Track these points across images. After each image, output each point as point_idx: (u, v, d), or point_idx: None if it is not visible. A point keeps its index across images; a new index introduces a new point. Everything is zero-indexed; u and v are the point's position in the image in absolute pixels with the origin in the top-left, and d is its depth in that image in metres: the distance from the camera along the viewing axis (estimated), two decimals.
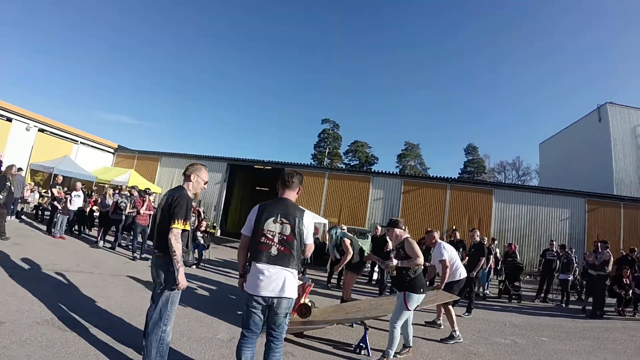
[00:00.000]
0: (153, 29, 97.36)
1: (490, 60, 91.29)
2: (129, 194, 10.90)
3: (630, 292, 9.81)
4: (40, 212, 13.32)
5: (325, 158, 57.41)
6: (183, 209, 3.20)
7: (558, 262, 11.40)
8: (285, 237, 3.02)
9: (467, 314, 7.85)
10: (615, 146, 28.61)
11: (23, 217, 12.63)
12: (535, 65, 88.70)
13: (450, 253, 6.42)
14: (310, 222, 3.20)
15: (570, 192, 20.39)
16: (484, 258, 8.44)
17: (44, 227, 11.25)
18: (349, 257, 6.69)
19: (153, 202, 17.01)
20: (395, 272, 4.66)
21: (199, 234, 10.26)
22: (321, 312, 5.70)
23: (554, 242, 12.52)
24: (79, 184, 11.39)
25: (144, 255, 9.52)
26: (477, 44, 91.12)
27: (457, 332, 5.75)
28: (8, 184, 8.86)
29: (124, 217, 10.46)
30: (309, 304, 5.50)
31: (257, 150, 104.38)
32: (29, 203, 14.00)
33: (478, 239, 8.67)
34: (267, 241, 3.00)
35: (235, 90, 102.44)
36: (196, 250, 10.03)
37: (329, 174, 20.73)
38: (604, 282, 9.54)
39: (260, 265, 2.96)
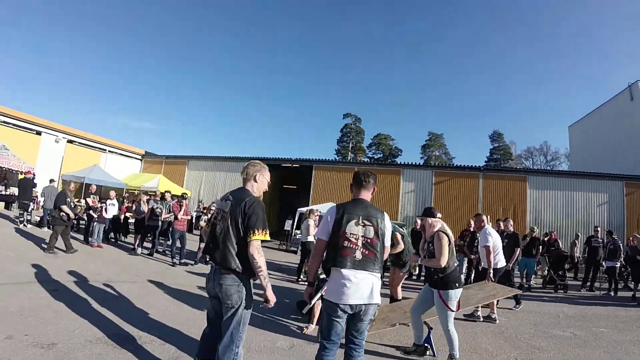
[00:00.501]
0: (171, 32, 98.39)
1: (508, 45, 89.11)
2: (160, 199, 10.88)
3: None
4: (75, 222, 13.41)
5: (349, 152, 57.17)
6: (261, 218, 2.87)
7: (603, 249, 10.94)
8: (369, 240, 2.87)
9: (517, 306, 7.58)
10: None
11: None
12: (559, 49, 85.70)
13: (494, 240, 6.37)
14: (390, 223, 3.08)
15: (608, 175, 19.51)
16: (519, 249, 8.17)
17: (80, 237, 11.34)
18: (399, 249, 6.32)
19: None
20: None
21: None
22: (378, 313, 5.40)
23: (598, 229, 11.96)
24: (112, 193, 11.40)
25: (183, 261, 9.49)
26: (494, 30, 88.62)
27: (479, 312, 6.32)
28: (68, 199, 9.00)
29: (160, 223, 10.43)
30: None
31: (279, 148, 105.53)
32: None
33: (512, 229, 8.51)
34: (351, 245, 2.82)
35: (253, 90, 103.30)
36: None
37: (358, 168, 20.32)
38: None
39: (345, 272, 2.78)
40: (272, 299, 2.83)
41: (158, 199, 11.05)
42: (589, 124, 34.53)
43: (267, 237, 2.89)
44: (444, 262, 4.05)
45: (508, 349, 4.96)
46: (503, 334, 5.69)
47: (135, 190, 19.45)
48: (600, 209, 18.60)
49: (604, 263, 10.79)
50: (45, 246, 8.74)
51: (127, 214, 12.73)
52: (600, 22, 79.39)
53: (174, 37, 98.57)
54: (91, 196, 11.35)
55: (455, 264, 4.25)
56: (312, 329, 5.03)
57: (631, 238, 11.05)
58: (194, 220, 10.32)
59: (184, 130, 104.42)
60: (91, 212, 10.55)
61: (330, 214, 2.95)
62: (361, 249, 2.82)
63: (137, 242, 10.44)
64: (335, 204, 3.08)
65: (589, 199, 18.73)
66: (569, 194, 18.81)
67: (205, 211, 10.15)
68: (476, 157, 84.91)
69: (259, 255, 2.79)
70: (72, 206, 9.15)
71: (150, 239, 10.77)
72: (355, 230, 2.85)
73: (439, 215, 4.54)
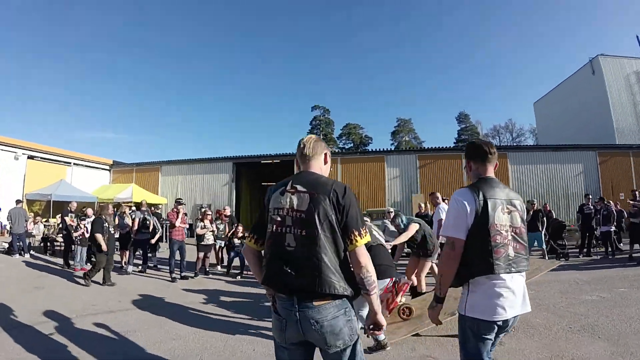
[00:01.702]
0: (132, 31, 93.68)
1: (466, 23, 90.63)
2: (145, 210, 9.99)
3: None
4: (49, 245, 12.21)
5: None
6: (360, 211, 2.01)
7: (596, 215, 11.25)
8: (517, 230, 2.22)
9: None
10: (612, 97, 28.75)
11: (32, 252, 11.49)
12: (514, 23, 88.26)
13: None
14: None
15: (582, 146, 20.39)
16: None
17: (59, 261, 10.24)
18: (402, 239, 5.85)
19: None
20: None
21: (236, 240, 9.36)
22: (420, 306, 5.02)
23: (590, 196, 12.21)
24: (89, 210, 10.33)
25: (183, 274, 8.65)
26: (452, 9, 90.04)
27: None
28: (106, 224, 7.94)
29: (149, 236, 9.58)
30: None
31: (251, 146, 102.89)
32: (34, 236, 12.81)
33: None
34: (503, 240, 2.15)
35: (218, 89, 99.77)
36: (237, 259, 9.28)
37: (341, 158, 20.07)
38: None
39: (501, 277, 2.12)
40: (384, 322, 2.04)
41: (145, 209, 10.04)
42: (554, 99, 35.84)
43: (370, 239, 2.03)
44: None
45: (556, 320, 5.04)
46: (541, 305, 5.69)
47: (107, 202, 18.16)
48: (577, 178, 19.41)
49: (598, 228, 11.14)
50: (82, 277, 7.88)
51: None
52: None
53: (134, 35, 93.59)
54: (69, 215, 10.24)
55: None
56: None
57: (629, 202, 11.15)
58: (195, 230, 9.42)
59: (152, 138, 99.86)
60: (74, 233, 9.43)
61: (466, 200, 2.18)
62: (512, 244, 2.18)
63: (125, 260, 9.54)
64: (463, 188, 2.28)
65: (566, 170, 19.47)
66: (547, 167, 19.53)
67: (202, 217, 9.24)
68: (445, 139, 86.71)
69: (371, 265, 1.94)
70: (111, 232, 8.15)
71: (139, 254, 9.73)
72: (503, 219, 2.18)
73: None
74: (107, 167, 22.71)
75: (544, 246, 10.42)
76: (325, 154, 2.16)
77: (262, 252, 2.09)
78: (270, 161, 20.87)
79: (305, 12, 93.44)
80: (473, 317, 2.15)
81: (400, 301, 4.81)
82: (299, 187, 1.97)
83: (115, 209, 15.68)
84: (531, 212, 10.30)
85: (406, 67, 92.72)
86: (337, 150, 50.44)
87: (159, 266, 10.00)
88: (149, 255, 10.04)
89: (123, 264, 9.50)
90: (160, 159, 22.46)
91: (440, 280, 2.26)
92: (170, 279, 8.43)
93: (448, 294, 4.40)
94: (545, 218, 10.61)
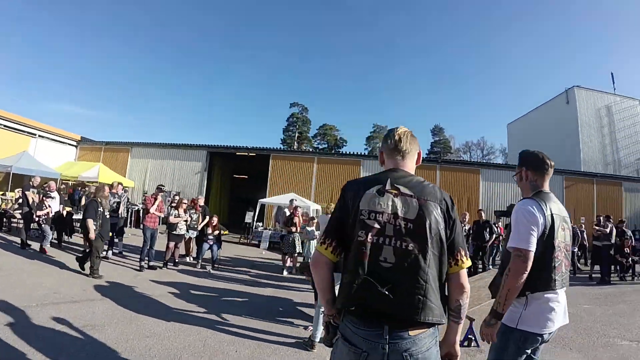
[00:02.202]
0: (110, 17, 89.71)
1: (460, 50, 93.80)
2: (116, 192, 9.46)
3: (629, 259, 11.12)
4: (5, 221, 11.37)
5: (295, 142, 56.26)
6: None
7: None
8: (567, 248, 2.24)
9: None
10: (582, 127, 30.53)
11: None
12: (502, 52, 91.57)
13: None
14: None
15: None
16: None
17: (15, 239, 9.49)
18: None
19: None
20: None
21: (209, 232, 9.01)
22: None
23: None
24: (52, 184, 9.71)
25: (151, 264, 8.23)
26: (444, 36, 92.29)
27: None
28: (101, 209, 7.27)
29: (118, 220, 9.15)
30: None
31: (221, 137, 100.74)
32: None
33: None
34: (561, 257, 2.18)
35: (194, 73, 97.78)
36: (209, 251, 8.94)
37: (318, 158, 19.89)
38: (608, 252, 10.73)
39: (558, 291, 2.19)
40: (459, 353, 1.79)
41: (117, 192, 9.51)
42: (527, 122, 37.67)
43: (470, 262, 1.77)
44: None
45: None
46: None
47: (70, 180, 17.32)
48: None
49: None
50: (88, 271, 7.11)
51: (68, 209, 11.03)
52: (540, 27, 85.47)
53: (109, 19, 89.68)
54: (31, 190, 9.57)
55: None
56: None
57: (593, 227, 11.94)
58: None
59: (123, 117, 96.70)
60: (39, 212, 8.78)
61: (539, 212, 2.09)
62: (565, 260, 2.19)
63: (86, 242, 8.99)
64: (529, 199, 2.20)
65: None
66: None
67: (177, 205, 8.89)
68: None
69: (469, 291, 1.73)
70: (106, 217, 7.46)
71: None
72: (562, 236, 2.17)
73: None
74: (74, 143, 21.45)
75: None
76: (419, 153, 1.92)
77: (336, 263, 1.72)
78: (246, 153, 20.38)
79: (296, 6, 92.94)
80: (523, 330, 2.13)
81: None
82: (403, 189, 1.66)
83: (80, 189, 15.02)
84: (508, 226, 10.59)
85: (386, 75, 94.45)
86: (310, 150, 50.54)
87: (124, 253, 9.57)
88: (116, 241, 9.55)
89: (86, 250, 8.93)
90: (131, 139, 21.55)
91: (506, 295, 2.09)
92: (138, 267, 8.05)
93: None
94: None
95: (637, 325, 6.08)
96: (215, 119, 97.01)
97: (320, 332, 4.20)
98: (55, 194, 9.71)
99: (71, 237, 10.77)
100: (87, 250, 7.33)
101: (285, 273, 8.95)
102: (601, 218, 11.64)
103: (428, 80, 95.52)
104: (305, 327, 5.08)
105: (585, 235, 12.95)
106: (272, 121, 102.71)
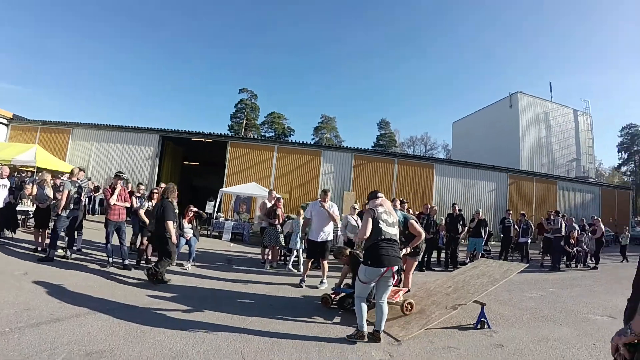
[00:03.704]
0: None
1: (414, 51, 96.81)
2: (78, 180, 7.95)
3: (574, 249, 12.31)
4: None
5: (243, 129, 54.75)
6: None
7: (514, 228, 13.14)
8: None
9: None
10: (522, 129, 33.31)
11: None
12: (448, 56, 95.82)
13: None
14: None
15: (496, 167, 22.92)
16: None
17: None
18: (421, 239, 5.72)
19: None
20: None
21: (186, 223, 8.02)
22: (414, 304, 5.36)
23: (510, 211, 13.80)
24: (6, 169, 8.12)
25: (126, 262, 7.07)
26: (398, 38, 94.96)
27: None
28: (176, 211, 6.62)
29: (80, 214, 7.78)
30: None
31: (166, 119, 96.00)
32: None
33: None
34: None
35: (141, 47, 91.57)
36: (186, 246, 7.95)
37: (279, 147, 19.37)
38: (559, 242, 11.70)
39: None
40: None
41: (79, 180, 7.92)
42: (472, 122, 40.01)
43: None
44: (361, 234, 4.26)
45: (520, 312, 5.95)
46: (501, 301, 6.44)
47: (1, 163, 15.38)
48: (490, 194, 21.77)
49: (518, 239, 13.01)
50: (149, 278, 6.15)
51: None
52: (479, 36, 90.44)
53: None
54: None
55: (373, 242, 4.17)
56: None
57: (544, 221, 12.78)
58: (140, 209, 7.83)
59: (63, 97, 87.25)
60: None
61: None
62: None
63: (39, 240, 7.76)
64: None
65: (481, 186, 21.67)
66: (466, 182, 21.44)
67: (149, 196, 8.06)
68: (364, 142, 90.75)
69: None
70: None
71: (64, 234, 7.66)
72: None
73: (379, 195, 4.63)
74: (5, 121, 18.82)
75: (482, 251, 11.39)
76: None
77: None
78: (203, 139, 19.29)
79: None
80: None
81: (401, 297, 5.28)
82: None
83: (16, 174, 13.35)
84: (476, 220, 11.25)
85: (337, 67, 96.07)
86: (275, 139, 49.71)
87: (82, 249, 8.24)
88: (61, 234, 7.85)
89: (38, 248, 7.72)
90: (73, 119, 19.47)
91: None
92: (105, 263, 7.03)
93: (437, 290, 5.53)
94: (487, 227, 11.61)
95: (600, 304, 6.85)
96: (164, 97, 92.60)
97: (365, 322, 4.17)
98: (6, 181, 8.06)
99: (14, 233, 9.14)
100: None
101: (267, 267, 8.47)
102: (552, 213, 12.48)
103: (377, 76, 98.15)
104: (326, 318, 4.97)
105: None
106: (220, 107, 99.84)
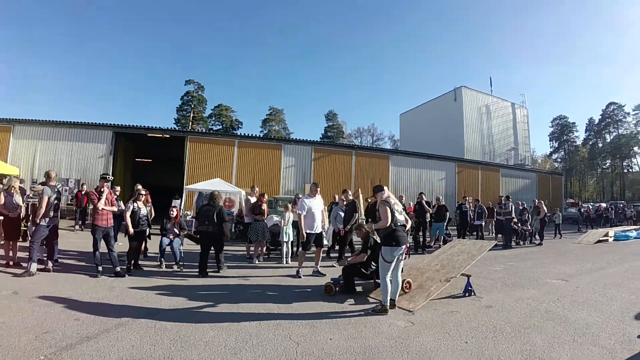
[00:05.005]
0: None
1: (359, 41, 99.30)
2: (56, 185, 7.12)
3: (522, 228, 13.87)
4: None
5: (190, 123, 52.98)
6: None
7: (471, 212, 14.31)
8: None
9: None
10: (466, 121, 35.96)
11: None
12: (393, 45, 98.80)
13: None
14: None
15: (446, 157, 24.69)
16: (357, 214, 9.09)
17: None
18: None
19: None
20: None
21: (169, 225, 7.87)
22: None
23: (467, 198, 15.01)
24: None
25: (118, 270, 6.65)
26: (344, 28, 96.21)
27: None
28: None
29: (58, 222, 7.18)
30: None
31: (111, 112, 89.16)
32: None
33: (351, 197, 9.47)
34: None
35: (84, 34, 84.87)
36: (169, 247, 7.68)
37: (239, 141, 19.22)
38: (509, 223, 13.13)
39: None
40: None
41: (54, 184, 7.07)
42: (418, 114, 42.37)
43: None
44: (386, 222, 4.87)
45: (493, 282, 6.93)
46: (475, 273, 6.62)
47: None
48: (440, 182, 23.26)
49: (474, 222, 14.20)
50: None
51: None
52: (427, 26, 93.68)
53: None
54: None
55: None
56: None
57: (496, 205, 14.42)
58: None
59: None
60: None
61: None
62: None
63: (9, 254, 7.02)
64: None
65: (433, 174, 23.22)
66: (418, 171, 22.93)
67: (135, 197, 7.69)
68: (313, 133, 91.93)
69: None
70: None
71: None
72: None
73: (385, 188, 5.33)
74: None
75: (443, 234, 12.38)
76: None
77: None
78: (160, 135, 18.56)
79: None
80: None
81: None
82: None
83: None
84: (437, 206, 12.17)
85: (285, 59, 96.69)
86: (237, 133, 48.55)
87: (59, 260, 7.34)
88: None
89: (10, 262, 6.96)
90: (13, 116, 17.74)
91: None
92: (95, 274, 6.54)
93: (427, 268, 6.41)
94: (447, 212, 12.52)
95: (552, 272, 8.14)
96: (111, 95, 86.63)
97: (389, 297, 4.81)
98: None
99: None
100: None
101: (256, 261, 8.56)
102: (503, 198, 13.88)
103: (324, 69, 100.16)
104: (341, 301, 5.41)
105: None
106: (163, 100, 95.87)
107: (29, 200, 9.48)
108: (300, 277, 7.00)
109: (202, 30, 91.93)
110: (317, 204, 7.32)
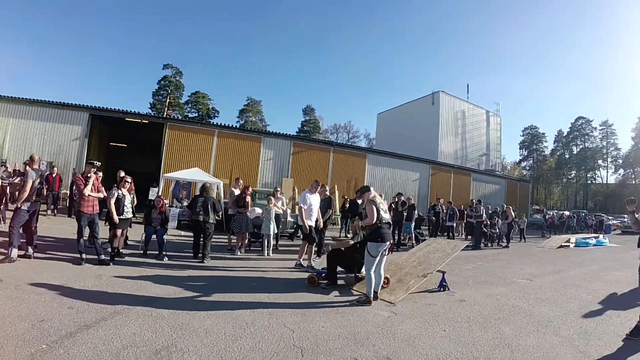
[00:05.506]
0: None
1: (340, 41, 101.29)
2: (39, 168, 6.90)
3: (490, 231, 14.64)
4: None
5: (166, 108, 51.81)
6: None
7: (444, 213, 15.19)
8: None
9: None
10: (442, 126, 37.27)
11: None
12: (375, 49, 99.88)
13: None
14: None
15: (420, 159, 25.49)
16: (331, 210, 9.29)
17: None
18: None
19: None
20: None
21: (155, 214, 7.88)
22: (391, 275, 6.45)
23: (440, 199, 16.00)
24: None
25: (103, 258, 6.57)
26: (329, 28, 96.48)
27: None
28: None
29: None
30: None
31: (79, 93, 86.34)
32: None
33: (328, 194, 9.73)
34: None
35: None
36: (153, 237, 7.75)
37: (219, 131, 19.08)
38: (480, 226, 13.76)
39: None
40: None
41: (37, 167, 6.94)
42: (395, 115, 43.26)
43: None
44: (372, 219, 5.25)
45: (464, 279, 7.50)
46: (448, 272, 6.86)
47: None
48: (414, 183, 24.02)
49: (445, 223, 15.12)
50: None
51: None
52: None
53: None
54: None
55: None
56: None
57: (467, 208, 15.06)
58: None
59: None
60: None
61: None
62: None
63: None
64: None
65: (407, 175, 24.03)
66: (393, 171, 23.62)
67: (119, 184, 7.56)
68: (289, 127, 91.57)
69: None
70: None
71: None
72: None
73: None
74: None
75: (412, 233, 12.77)
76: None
77: None
78: (139, 120, 18.20)
79: None
80: None
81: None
82: None
83: None
84: (407, 206, 12.55)
85: (267, 52, 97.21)
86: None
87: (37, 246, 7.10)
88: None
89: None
90: None
91: None
92: (79, 261, 6.42)
93: (405, 264, 6.86)
94: (415, 211, 12.96)
95: (518, 272, 8.89)
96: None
97: (372, 289, 5.21)
98: None
99: None
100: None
101: (238, 253, 8.68)
102: (474, 201, 14.50)
103: (304, 64, 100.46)
104: (326, 293, 5.75)
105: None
106: (141, 83, 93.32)
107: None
108: (303, 265, 7.51)
109: (187, 26, 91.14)
110: (316, 200, 7.89)
